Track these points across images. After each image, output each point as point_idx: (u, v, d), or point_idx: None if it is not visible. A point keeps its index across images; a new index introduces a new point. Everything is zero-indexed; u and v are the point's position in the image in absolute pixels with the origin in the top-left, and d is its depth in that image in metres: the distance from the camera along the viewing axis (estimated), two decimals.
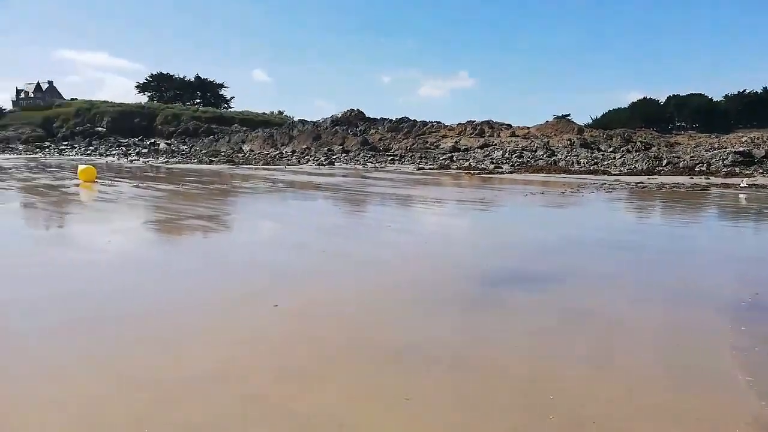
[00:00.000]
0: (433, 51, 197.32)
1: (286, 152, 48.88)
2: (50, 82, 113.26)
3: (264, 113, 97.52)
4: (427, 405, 3.13)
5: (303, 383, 3.43)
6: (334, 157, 43.12)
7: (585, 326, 4.57)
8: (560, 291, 5.70)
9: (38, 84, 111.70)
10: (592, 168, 28.11)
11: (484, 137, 43.92)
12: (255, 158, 44.56)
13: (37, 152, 63.45)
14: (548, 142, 39.46)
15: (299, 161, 41.53)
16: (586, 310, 4.98)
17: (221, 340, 4.17)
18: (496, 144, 41.47)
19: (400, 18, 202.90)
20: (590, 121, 67.98)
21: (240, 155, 48.60)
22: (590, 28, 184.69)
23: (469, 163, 33.32)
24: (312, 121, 60.50)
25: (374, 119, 57.83)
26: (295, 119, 73.26)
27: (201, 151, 54.70)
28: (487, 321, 4.73)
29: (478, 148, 40.91)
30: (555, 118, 48.59)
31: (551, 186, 19.58)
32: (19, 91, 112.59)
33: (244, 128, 70.73)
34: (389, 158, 40.79)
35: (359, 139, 48.57)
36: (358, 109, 59.56)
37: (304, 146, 50.06)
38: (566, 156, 33.51)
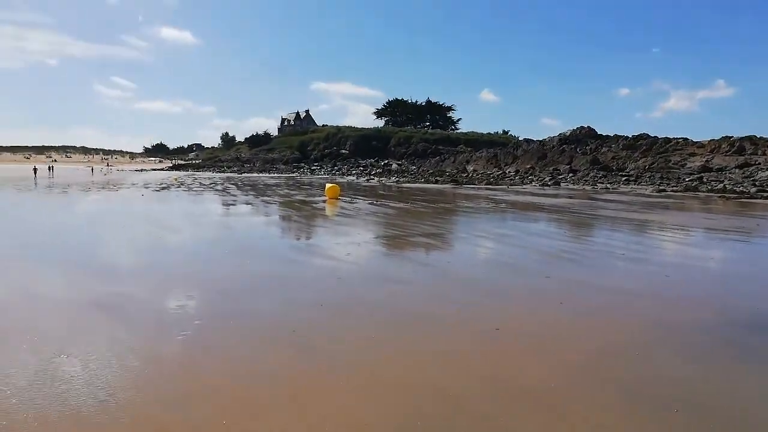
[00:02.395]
0: (681, 59, 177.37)
1: (509, 172, 48.58)
2: (307, 111, 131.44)
3: (489, 133, 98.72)
4: None
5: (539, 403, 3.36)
6: (560, 177, 41.38)
7: None
8: None
9: (297, 113, 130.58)
10: None
11: (743, 155, 37.54)
12: (478, 178, 45.22)
13: (294, 172, 73.80)
14: None
15: (522, 181, 40.86)
16: None
17: (450, 362, 4.32)
18: (760, 163, 35.13)
19: (639, 27, 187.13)
20: None
21: (464, 175, 49.77)
22: None
23: (723, 185, 28.81)
24: (537, 140, 59.15)
25: (606, 136, 54.04)
26: (519, 138, 72.56)
27: (428, 171, 57.53)
28: None
29: (735, 168, 35.19)
30: None
31: None
32: (283, 120, 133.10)
33: (469, 148, 72.45)
34: (623, 178, 37.59)
35: (589, 158, 45.80)
36: (588, 127, 56.35)
37: (528, 166, 49.10)
38: None
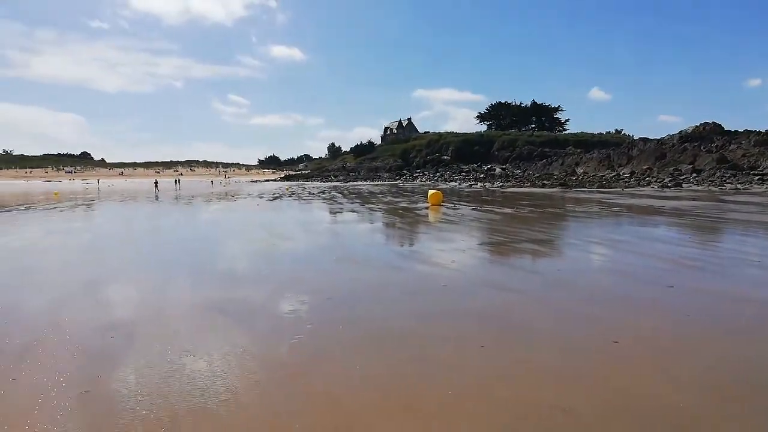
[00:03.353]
0: None
1: (623, 174, 45.74)
2: (409, 119, 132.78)
3: (600, 133, 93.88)
4: None
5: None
6: (682, 177, 38.27)
7: None
8: None
9: (400, 121, 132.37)
10: None
11: None
12: (589, 181, 43.02)
13: (396, 179, 74.76)
14: None
15: (638, 183, 38.29)
16: None
17: (565, 377, 4.11)
18: None
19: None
20: None
21: (573, 178, 47.60)
22: None
23: None
24: (655, 139, 55.16)
25: (735, 132, 49.23)
26: (634, 138, 68.16)
27: (534, 174, 55.73)
28: None
29: None
30: None
31: None
32: (386, 129, 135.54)
33: (578, 150, 69.20)
34: (756, 178, 34.00)
35: (715, 156, 41.93)
36: (713, 122, 51.65)
37: (645, 167, 45.93)
38: None
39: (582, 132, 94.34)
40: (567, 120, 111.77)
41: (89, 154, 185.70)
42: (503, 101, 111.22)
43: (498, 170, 67.14)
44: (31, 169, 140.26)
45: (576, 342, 4.78)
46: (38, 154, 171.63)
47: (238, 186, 65.34)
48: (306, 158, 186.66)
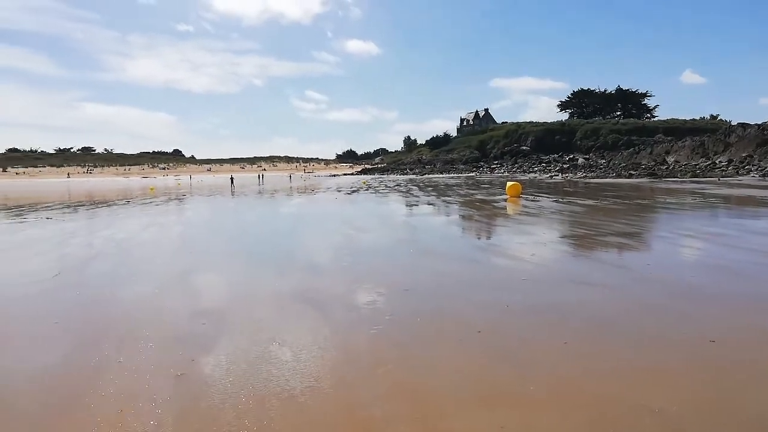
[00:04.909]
0: None
1: (719, 162, 42.59)
2: (486, 110, 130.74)
3: (693, 119, 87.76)
4: None
5: None
6: None
7: None
8: None
9: (476, 112, 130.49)
10: None
11: None
12: (680, 170, 40.45)
13: (473, 171, 73.74)
14: None
15: (737, 172, 35.54)
16: None
17: (655, 377, 3.93)
18: None
19: None
20: None
21: (663, 167, 44.90)
22: None
23: None
24: (755, 124, 50.75)
25: None
26: (732, 123, 63.19)
27: (619, 164, 53.12)
28: None
29: None
30: None
31: None
32: (462, 120, 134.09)
33: (668, 138, 65.16)
34: None
35: None
36: None
37: (744, 154, 42.51)
38: None
39: (672, 118, 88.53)
40: (656, 106, 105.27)
41: (180, 152, 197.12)
42: (586, 88, 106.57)
43: (581, 160, 64.50)
44: (129, 167, 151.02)
45: (667, 340, 4.52)
46: (135, 152, 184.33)
47: (317, 180, 67.08)
48: (382, 152, 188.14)
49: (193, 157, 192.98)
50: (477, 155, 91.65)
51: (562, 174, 49.24)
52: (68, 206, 24.55)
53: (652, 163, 48.87)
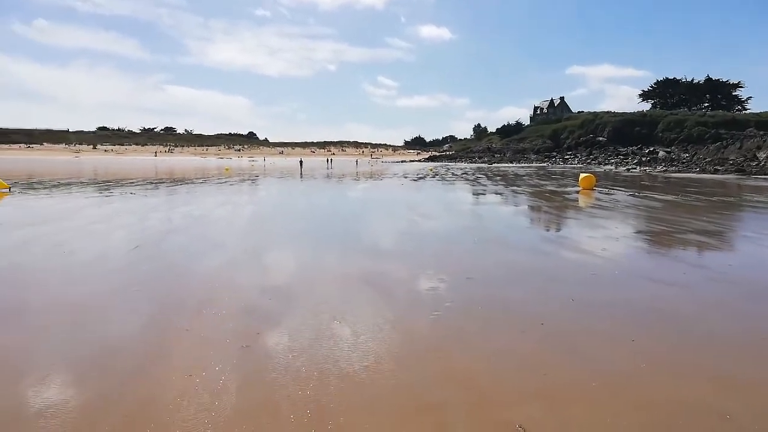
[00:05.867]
0: None
1: None
2: (561, 98, 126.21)
3: None
4: None
5: None
6: None
7: None
8: None
9: (551, 100, 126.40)
10: None
11: None
12: None
13: (544, 161, 71.69)
14: None
15: None
16: None
17: (733, 386, 3.71)
18: None
19: None
20: None
21: (753, 164, 41.77)
22: None
23: None
24: None
25: None
26: None
27: (704, 159, 49.95)
28: None
29: None
30: None
31: None
32: (535, 108, 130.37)
33: (761, 132, 60.40)
34: None
35: None
36: None
37: None
38: None
39: (767, 111, 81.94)
40: (748, 98, 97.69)
41: (255, 134, 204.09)
42: (671, 77, 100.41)
43: (661, 153, 61.10)
44: (207, 147, 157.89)
45: (745, 345, 4.25)
46: (213, 134, 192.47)
47: (385, 166, 67.42)
48: (450, 139, 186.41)
49: (266, 139, 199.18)
50: (549, 145, 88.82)
51: (640, 167, 46.91)
52: (150, 183, 26.02)
53: (741, 159, 45.52)
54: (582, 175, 23.37)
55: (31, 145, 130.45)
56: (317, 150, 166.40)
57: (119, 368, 3.77)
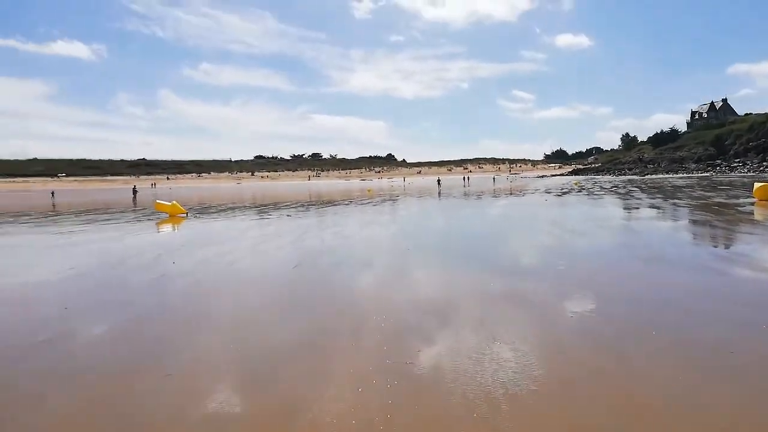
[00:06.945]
0: None
1: None
2: (724, 100, 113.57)
3: None
4: None
5: None
6: None
7: None
8: None
9: (711, 103, 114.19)
10: None
11: None
12: None
13: (707, 171, 64.78)
14: None
15: None
16: None
17: None
18: None
19: None
20: None
21: None
22: None
23: None
24: None
25: None
26: None
27: None
28: None
29: None
30: None
31: None
32: (693, 113, 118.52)
33: None
34: None
35: None
36: None
37: None
38: None
39: None
40: None
41: (393, 156, 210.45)
42: None
43: None
44: (349, 170, 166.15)
45: None
46: (354, 157, 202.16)
47: (524, 181, 65.52)
48: (596, 150, 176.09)
49: (404, 160, 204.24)
50: (712, 152, 79.92)
51: None
52: (302, 205, 27.99)
53: None
54: (757, 185, 20.63)
55: (201, 174, 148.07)
56: (453, 168, 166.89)
57: (289, 378, 4.07)
